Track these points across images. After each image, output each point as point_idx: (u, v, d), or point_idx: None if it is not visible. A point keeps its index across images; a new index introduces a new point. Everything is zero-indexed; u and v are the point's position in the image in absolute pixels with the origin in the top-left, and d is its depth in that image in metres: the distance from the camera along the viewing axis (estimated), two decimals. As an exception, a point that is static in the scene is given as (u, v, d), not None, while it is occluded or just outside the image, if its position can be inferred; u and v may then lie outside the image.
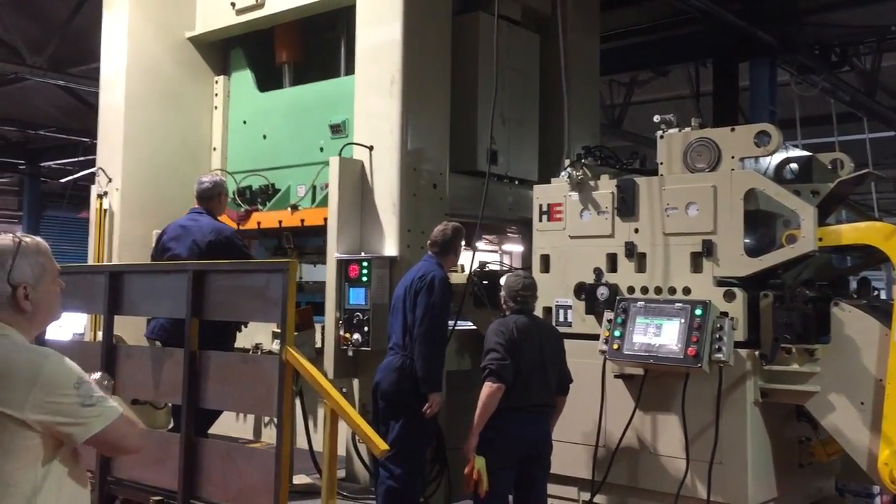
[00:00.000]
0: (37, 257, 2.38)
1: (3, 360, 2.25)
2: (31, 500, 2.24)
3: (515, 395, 4.48)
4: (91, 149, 13.49)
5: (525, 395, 4.52)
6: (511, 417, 4.49)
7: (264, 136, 7.03)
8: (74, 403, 2.25)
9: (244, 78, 7.30)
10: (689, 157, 4.68)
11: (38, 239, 2.44)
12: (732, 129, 4.65)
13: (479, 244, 5.65)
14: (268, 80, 7.26)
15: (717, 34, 9.18)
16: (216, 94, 7.46)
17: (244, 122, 7.23)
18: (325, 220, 5.79)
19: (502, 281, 4.94)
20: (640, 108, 13.04)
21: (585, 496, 4.75)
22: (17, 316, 2.33)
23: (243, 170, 6.99)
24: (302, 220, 6.17)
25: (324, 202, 6.02)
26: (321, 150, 6.44)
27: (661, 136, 4.84)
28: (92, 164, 8.48)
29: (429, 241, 5.21)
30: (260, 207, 6.65)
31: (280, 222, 6.32)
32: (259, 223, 6.43)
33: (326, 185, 5.96)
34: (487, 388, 4.44)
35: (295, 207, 6.28)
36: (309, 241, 6.39)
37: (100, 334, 5.76)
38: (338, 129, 6.33)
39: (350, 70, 6.33)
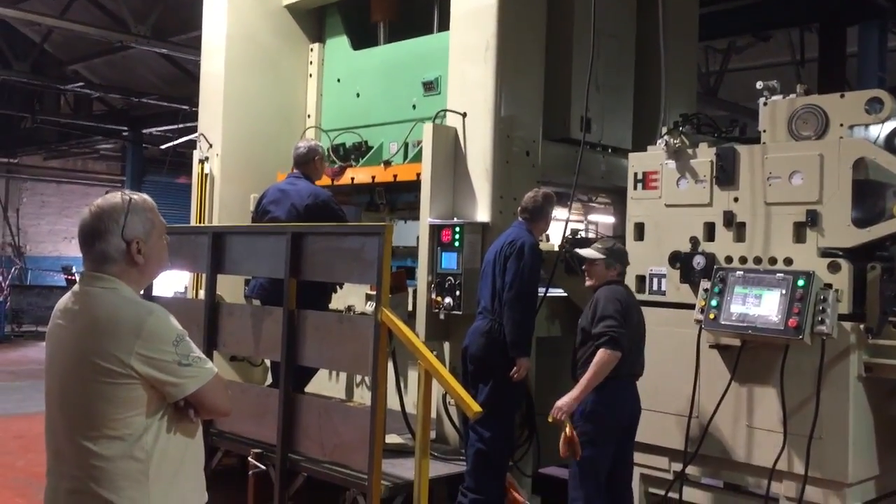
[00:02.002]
0: (145, 213, 2.48)
1: (111, 313, 2.35)
2: (140, 448, 2.34)
3: (623, 364, 4.41)
4: (190, 116, 13.99)
5: (630, 365, 4.49)
6: (616, 387, 4.43)
7: (358, 95, 7.15)
8: (172, 361, 2.34)
9: (339, 38, 7.41)
10: (795, 125, 4.53)
11: (145, 196, 2.54)
12: (842, 96, 4.47)
13: (565, 213, 5.62)
14: (362, 40, 7.34)
15: (825, -4, 8.79)
16: (311, 62, 7.60)
17: (338, 81, 7.36)
18: (418, 175, 5.84)
19: (605, 246, 4.76)
20: (736, 75, 12.62)
21: (677, 467, 4.72)
22: (129, 269, 2.44)
23: (337, 128, 7.14)
24: (395, 176, 6.24)
25: (416, 158, 6.08)
26: (413, 107, 6.50)
27: (765, 103, 4.69)
28: (191, 130, 8.77)
29: (519, 207, 5.23)
30: (353, 164, 6.77)
31: (373, 178, 6.41)
32: (353, 178, 6.53)
33: (419, 142, 6.02)
34: (604, 354, 4.32)
35: (388, 163, 6.36)
36: (400, 197, 6.47)
37: (201, 293, 6.02)
38: (430, 87, 6.37)
39: (443, 27, 6.34)
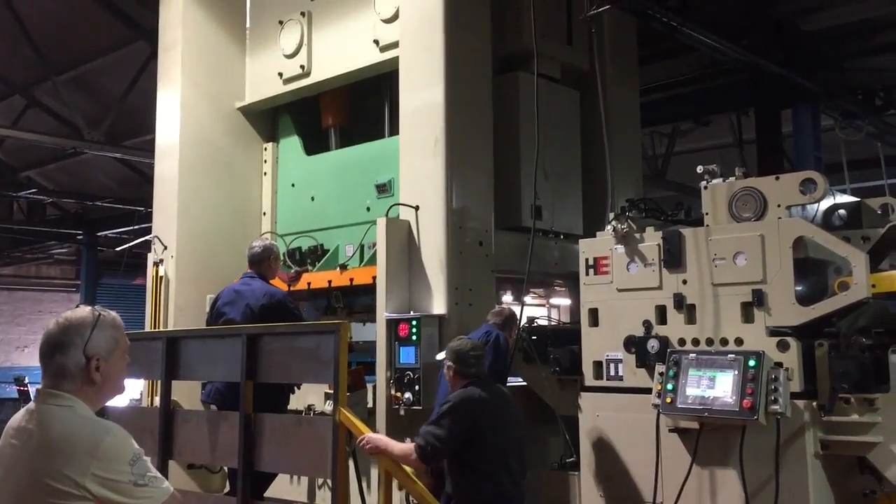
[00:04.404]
0: (112, 331, 2.46)
1: (67, 433, 2.30)
2: None
3: (500, 482, 4.27)
4: (145, 217, 13.96)
5: (506, 485, 4.30)
6: None
7: (312, 198, 7.23)
8: (128, 482, 2.29)
9: (292, 142, 7.55)
10: (735, 207, 4.67)
11: (115, 314, 2.53)
12: (777, 178, 4.63)
13: (527, 298, 5.71)
14: (314, 144, 7.48)
15: (759, 83, 9.20)
16: (265, 161, 7.70)
17: (292, 185, 7.46)
18: (374, 278, 5.89)
19: (442, 355, 4.63)
20: (682, 157, 13.03)
21: (645, 554, 4.65)
22: (85, 387, 2.40)
23: (293, 231, 7.19)
24: (351, 280, 6.28)
25: (371, 261, 6.13)
26: (368, 209, 6.60)
27: (706, 187, 4.84)
28: (146, 232, 8.73)
29: (491, 322, 5.41)
30: (310, 268, 6.79)
31: (329, 282, 6.43)
32: (309, 283, 6.54)
33: (374, 244, 6.07)
34: (410, 455, 4.25)
35: (344, 267, 6.41)
36: (358, 300, 6.47)
37: (157, 399, 5.89)
38: (383, 189, 6.49)
39: (394, 131, 6.49)
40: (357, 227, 6.64)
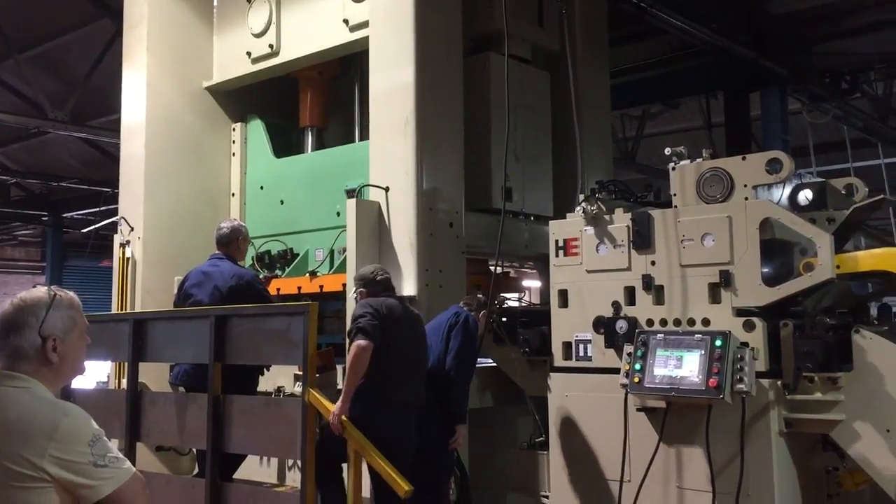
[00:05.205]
0: (69, 311, 2.42)
1: (24, 415, 2.27)
2: None
3: (394, 390, 4.56)
4: (112, 198, 13.76)
5: (403, 392, 4.61)
6: (387, 411, 4.51)
7: (281, 202, 7.13)
8: (87, 463, 2.26)
9: (261, 144, 7.42)
10: (703, 188, 4.70)
11: (72, 294, 2.48)
12: (744, 158, 4.67)
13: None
14: (284, 146, 7.39)
15: (727, 66, 9.26)
16: (233, 141, 7.60)
17: (261, 188, 7.34)
18: (343, 286, 5.84)
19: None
20: (652, 140, 13.12)
21: (612, 532, 4.70)
22: (42, 368, 2.37)
23: (262, 235, 7.06)
24: (321, 287, 6.23)
25: (342, 268, 6.08)
26: (338, 214, 6.49)
27: (674, 168, 4.87)
28: (113, 213, 8.61)
29: (463, 303, 5.40)
30: (279, 273, 6.73)
31: (299, 288, 6.37)
32: (279, 289, 6.47)
33: (344, 250, 6.02)
34: (354, 346, 4.49)
35: (314, 274, 6.35)
36: (328, 306, 6.37)
37: (124, 382, 5.84)
38: (354, 195, 6.40)
39: (364, 136, 6.42)
40: (327, 231, 6.56)
